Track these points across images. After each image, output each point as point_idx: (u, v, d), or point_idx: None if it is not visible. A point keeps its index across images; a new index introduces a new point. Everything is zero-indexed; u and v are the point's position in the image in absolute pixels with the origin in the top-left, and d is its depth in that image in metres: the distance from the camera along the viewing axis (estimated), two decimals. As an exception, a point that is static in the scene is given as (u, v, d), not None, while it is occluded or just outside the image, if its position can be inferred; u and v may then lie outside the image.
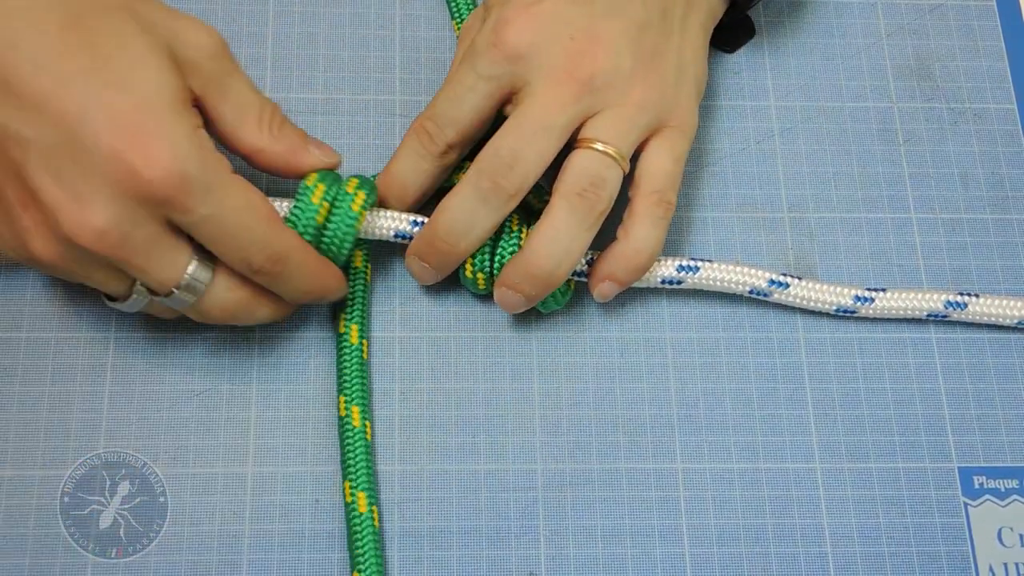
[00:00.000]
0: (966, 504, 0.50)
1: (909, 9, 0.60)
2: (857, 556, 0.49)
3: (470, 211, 0.47)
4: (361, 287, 0.51)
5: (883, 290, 0.52)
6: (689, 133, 0.50)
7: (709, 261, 0.50)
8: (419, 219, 0.49)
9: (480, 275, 0.49)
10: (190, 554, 0.47)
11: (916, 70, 0.58)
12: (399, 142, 0.54)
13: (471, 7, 0.56)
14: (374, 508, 0.47)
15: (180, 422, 0.49)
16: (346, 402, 0.49)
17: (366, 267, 0.51)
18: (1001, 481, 0.51)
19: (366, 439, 0.48)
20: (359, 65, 0.56)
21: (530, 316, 0.52)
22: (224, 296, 0.45)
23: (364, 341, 0.50)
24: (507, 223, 0.49)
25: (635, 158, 0.49)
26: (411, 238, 0.49)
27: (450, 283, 0.52)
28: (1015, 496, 0.50)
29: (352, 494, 0.47)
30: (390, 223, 0.49)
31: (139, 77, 0.41)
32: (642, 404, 0.51)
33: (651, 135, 0.49)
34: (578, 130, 0.48)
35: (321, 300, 0.48)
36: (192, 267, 0.44)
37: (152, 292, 0.44)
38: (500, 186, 0.47)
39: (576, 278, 0.50)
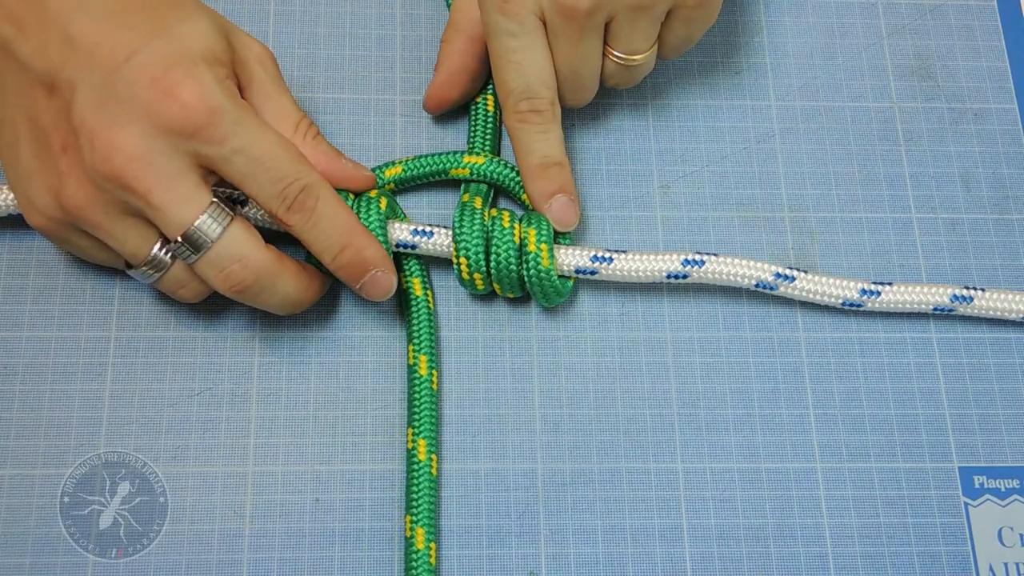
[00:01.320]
0: (966, 504, 0.50)
1: (909, 9, 0.60)
2: (857, 556, 0.49)
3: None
4: (426, 316, 0.50)
5: (889, 284, 0.52)
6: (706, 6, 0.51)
7: (715, 255, 0.50)
8: (421, 228, 0.49)
9: (477, 276, 0.49)
10: (190, 554, 0.47)
11: (916, 70, 0.58)
12: (400, 141, 0.55)
13: None
14: (432, 545, 0.47)
15: (180, 422, 0.49)
16: (414, 434, 0.48)
17: (427, 294, 0.51)
18: (1001, 481, 0.50)
19: (431, 475, 0.48)
20: (359, 65, 0.56)
21: (530, 316, 0.52)
22: (242, 248, 0.45)
23: (434, 372, 0.49)
24: (499, 221, 0.49)
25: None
26: (414, 247, 0.50)
27: (449, 284, 0.52)
28: (1015, 496, 0.50)
29: (412, 528, 0.47)
30: (395, 234, 0.49)
31: (187, 33, 0.44)
32: (642, 404, 0.51)
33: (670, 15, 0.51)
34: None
35: (363, 266, 0.47)
36: (210, 210, 0.44)
37: (167, 243, 0.45)
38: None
39: (578, 275, 0.50)
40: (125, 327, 0.50)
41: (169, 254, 0.45)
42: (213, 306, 0.51)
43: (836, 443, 0.51)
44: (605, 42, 0.51)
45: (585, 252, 0.50)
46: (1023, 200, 0.56)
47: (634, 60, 0.51)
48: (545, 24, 0.49)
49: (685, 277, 0.50)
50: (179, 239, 0.44)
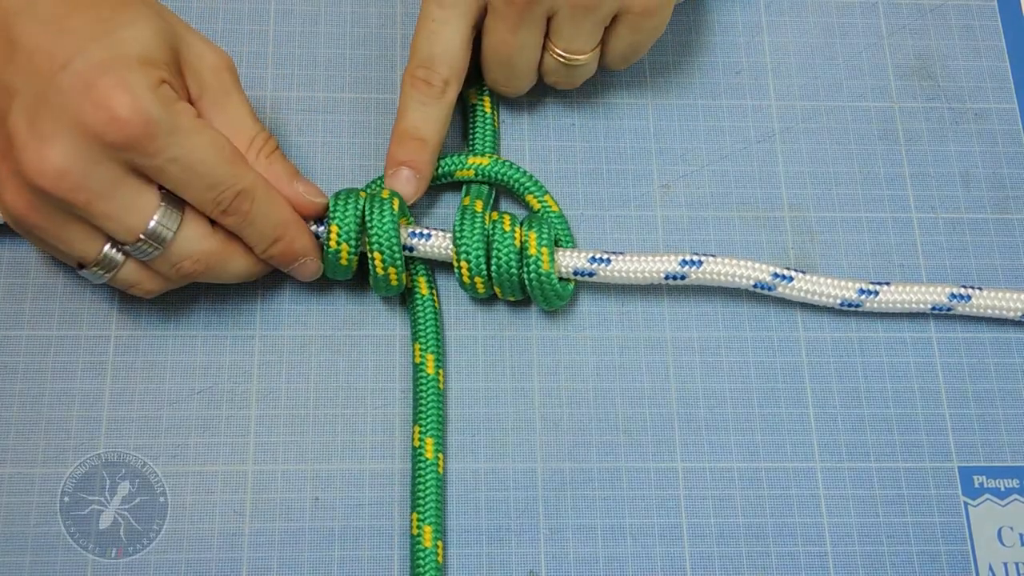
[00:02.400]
0: (966, 504, 0.50)
1: (910, 9, 0.60)
2: (857, 555, 0.49)
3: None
4: (432, 314, 0.50)
5: (887, 283, 0.52)
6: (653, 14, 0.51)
7: (712, 256, 0.50)
8: (418, 231, 0.49)
9: (478, 279, 0.49)
10: (190, 554, 0.47)
11: (917, 70, 0.58)
12: (399, 141, 0.54)
13: None
14: (439, 543, 0.47)
15: (180, 421, 0.49)
16: (421, 432, 0.48)
17: (432, 293, 0.51)
18: (1001, 481, 0.50)
19: (437, 473, 0.48)
20: (359, 64, 0.56)
21: (530, 316, 0.52)
22: (194, 245, 0.45)
23: (440, 370, 0.50)
24: (500, 224, 0.49)
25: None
26: (411, 249, 0.50)
27: (449, 284, 0.52)
28: (1015, 496, 0.50)
29: (419, 526, 0.47)
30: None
31: (127, 38, 0.43)
32: (642, 403, 0.51)
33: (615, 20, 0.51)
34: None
35: (292, 256, 0.48)
36: (159, 213, 0.44)
37: (119, 245, 0.44)
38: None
39: (576, 278, 0.50)
40: (125, 326, 0.50)
41: (120, 253, 0.45)
42: (213, 305, 0.51)
43: (836, 443, 0.51)
44: (547, 36, 0.51)
45: (583, 254, 0.50)
46: (1023, 200, 0.56)
47: (575, 60, 0.51)
48: (487, 7, 0.50)
49: (683, 278, 0.50)
50: (130, 245, 0.44)
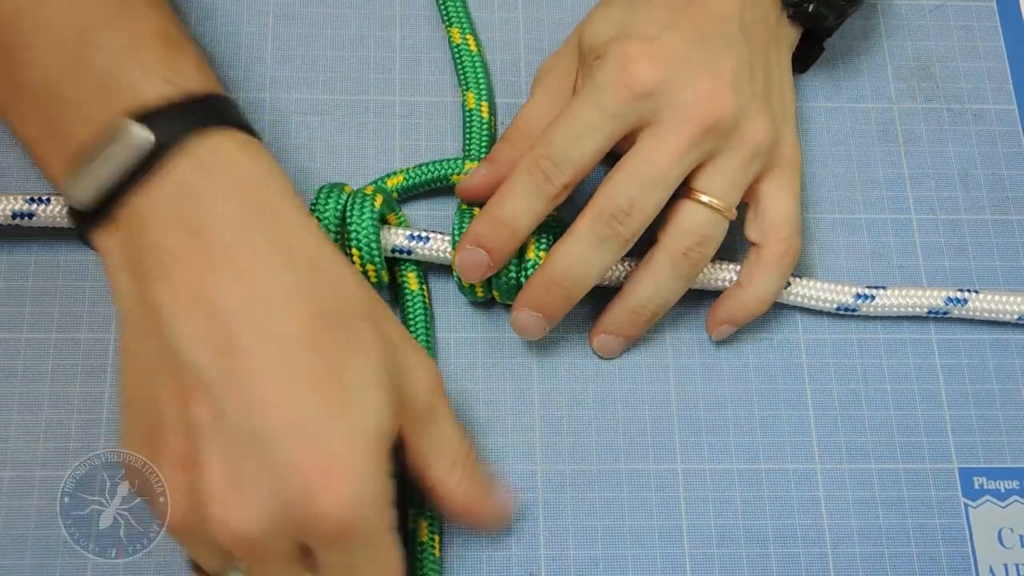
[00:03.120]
0: (966, 505, 0.50)
1: (909, 9, 0.60)
2: (857, 557, 0.49)
3: (587, 256, 0.47)
4: (422, 310, 0.50)
5: (884, 287, 0.52)
6: (800, 169, 0.50)
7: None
8: (417, 233, 0.49)
9: (477, 284, 0.50)
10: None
11: (916, 70, 0.58)
12: (399, 142, 0.54)
13: (461, 11, 0.56)
14: (436, 537, 0.47)
15: (180, 423, 0.49)
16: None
17: (422, 289, 0.51)
18: (1001, 482, 0.51)
19: None
20: (359, 65, 0.56)
21: (530, 317, 0.52)
22: None
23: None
24: None
25: (747, 198, 0.49)
26: (409, 252, 0.49)
27: (448, 285, 0.52)
28: (1015, 497, 0.50)
29: (415, 520, 0.47)
30: (390, 239, 0.49)
31: (358, 406, 0.39)
32: (642, 404, 0.51)
33: (762, 174, 0.49)
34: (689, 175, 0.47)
35: None
36: None
37: None
38: (618, 232, 0.46)
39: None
40: (125, 328, 0.50)
41: None
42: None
43: (836, 444, 0.51)
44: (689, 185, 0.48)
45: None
46: (1022, 201, 0.56)
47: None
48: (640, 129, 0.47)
49: None
50: None
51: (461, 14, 0.56)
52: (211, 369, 0.38)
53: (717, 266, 0.51)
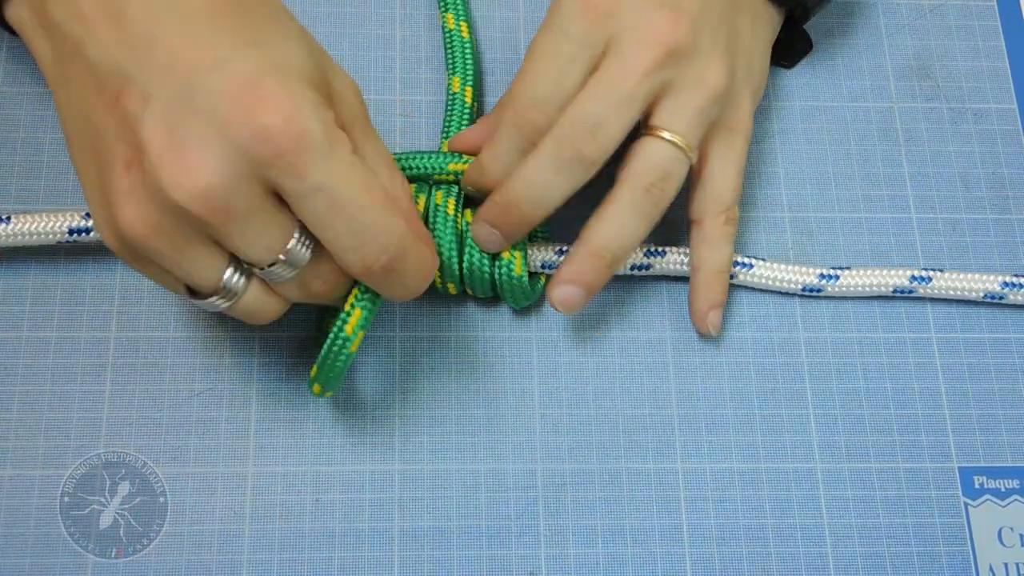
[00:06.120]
0: (966, 504, 0.50)
1: (909, 9, 0.60)
2: (857, 556, 0.49)
3: (548, 179, 0.46)
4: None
5: (848, 268, 0.52)
6: (748, 141, 0.50)
7: (674, 248, 0.51)
8: None
9: (451, 284, 0.50)
10: (190, 554, 0.47)
11: (916, 70, 0.58)
12: (399, 142, 0.54)
13: (460, 5, 0.55)
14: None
15: (180, 422, 0.49)
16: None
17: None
18: (1001, 481, 0.51)
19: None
20: (359, 65, 0.56)
21: (530, 316, 0.52)
22: (327, 262, 0.41)
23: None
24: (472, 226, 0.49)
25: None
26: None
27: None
28: (1015, 496, 0.50)
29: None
30: None
31: (283, 49, 0.39)
32: (642, 404, 0.51)
33: (711, 134, 0.49)
34: (648, 112, 0.47)
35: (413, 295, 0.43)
36: (298, 230, 0.40)
37: (247, 267, 0.41)
38: (582, 154, 0.45)
39: (545, 271, 0.50)
40: (125, 327, 0.50)
41: (242, 278, 0.41)
42: (213, 306, 0.51)
43: (836, 443, 0.51)
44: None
45: (550, 247, 0.50)
46: (1023, 200, 0.56)
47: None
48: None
49: (648, 268, 0.51)
50: (264, 268, 0.40)
51: (459, 3, 0.56)
52: (128, 62, 0.38)
53: (672, 251, 0.51)
